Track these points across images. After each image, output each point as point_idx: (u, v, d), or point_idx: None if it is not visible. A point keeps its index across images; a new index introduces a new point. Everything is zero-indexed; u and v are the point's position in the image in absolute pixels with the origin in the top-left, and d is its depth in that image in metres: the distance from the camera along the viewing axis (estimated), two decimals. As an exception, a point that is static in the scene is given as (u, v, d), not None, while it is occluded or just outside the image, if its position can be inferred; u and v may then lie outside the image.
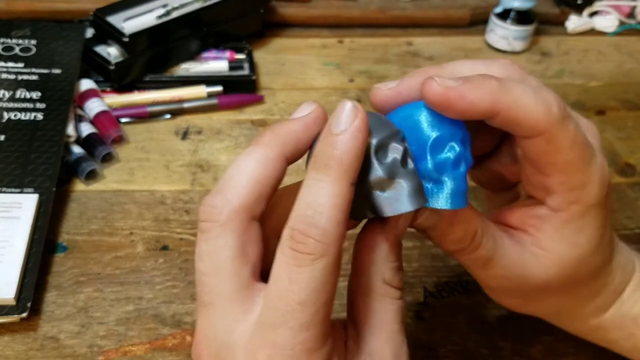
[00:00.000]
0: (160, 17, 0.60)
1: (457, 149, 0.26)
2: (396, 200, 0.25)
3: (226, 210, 0.25)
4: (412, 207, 0.25)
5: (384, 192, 0.25)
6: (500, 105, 0.25)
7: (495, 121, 0.26)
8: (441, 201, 0.26)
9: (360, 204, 0.25)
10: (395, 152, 0.25)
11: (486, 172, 0.33)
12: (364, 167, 0.25)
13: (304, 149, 0.27)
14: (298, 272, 0.23)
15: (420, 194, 0.25)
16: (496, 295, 0.33)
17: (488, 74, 0.26)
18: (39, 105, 0.52)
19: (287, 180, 0.28)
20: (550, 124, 0.26)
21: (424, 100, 0.26)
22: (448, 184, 0.26)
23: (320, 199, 0.23)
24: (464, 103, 0.25)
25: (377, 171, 0.25)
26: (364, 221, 0.28)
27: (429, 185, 0.26)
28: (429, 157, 0.25)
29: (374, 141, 0.25)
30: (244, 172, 0.26)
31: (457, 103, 0.25)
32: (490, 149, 0.33)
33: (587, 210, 0.28)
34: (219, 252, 0.25)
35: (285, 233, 0.24)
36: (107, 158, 0.53)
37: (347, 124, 0.24)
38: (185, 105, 0.58)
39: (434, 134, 0.26)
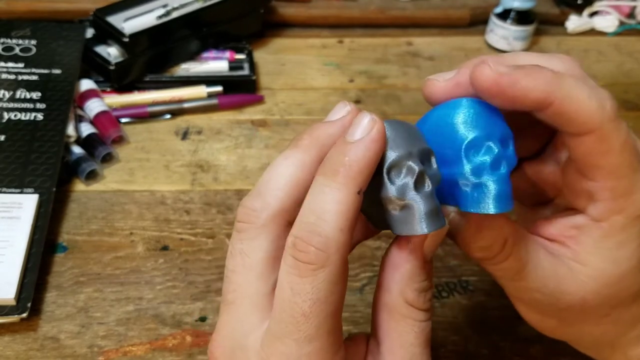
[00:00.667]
0: (160, 17, 0.60)
1: (495, 149, 0.24)
2: (407, 222, 0.24)
3: (265, 214, 0.25)
4: (423, 230, 0.24)
5: (397, 211, 0.24)
6: (554, 96, 0.24)
7: (545, 114, 0.25)
8: (483, 206, 0.24)
9: (380, 215, 0.25)
10: (409, 173, 0.24)
11: (525, 179, 0.31)
12: (378, 183, 0.24)
13: None
14: (300, 283, 0.23)
15: (434, 218, 0.24)
16: (529, 313, 0.30)
17: (542, 65, 0.25)
18: (39, 106, 0.52)
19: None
20: (603, 121, 0.24)
21: (474, 86, 0.25)
22: (490, 187, 0.24)
23: (325, 205, 0.23)
24: (517, 90, 0.24)
25: (388, 190, 0.24)
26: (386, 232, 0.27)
27: (468, 190, 0.24)
28: (464, 161, 0.24)
29: (389, 158, 0.24)
30: (282, 176, 0.25)
31: (509, 90, 0.24)
32: (531, 153, 0.31)
33: (631, 223, 0.26)
34: (252, 253, 0.25)
35: (289, 240, 0.24)
36: (107, 158, 0.53)
37: (362, 134, 0.24)
38: (185, 105, 0.58)
39: (469, 136, 0.24)
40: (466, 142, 0.24)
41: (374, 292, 0.27)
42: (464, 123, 0.25)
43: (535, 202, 0.32)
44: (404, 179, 0.24)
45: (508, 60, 0.27)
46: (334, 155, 0.24)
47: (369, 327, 0.28)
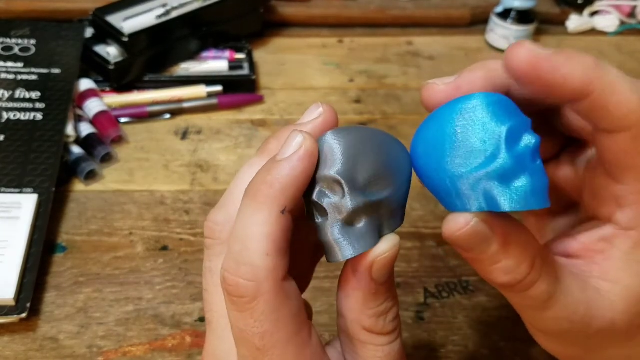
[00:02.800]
0: (159, 16, 0.60)
1: (533, 139, 0.22)
2: (330, 249, 0.23)
3: (228, 227, 0.24)
4: (342, 257, 0.23)
5: (343, 236, 0.23)
6: (594, 85, 0.22)
7: (581, 106, 0.22)
8: (531, 200, 0.21)
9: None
10: (338, 194, 0.23)
11: None
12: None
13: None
14: (242, 318, 0.22)
15: (355, 242, 0.22)
16: (551, 343, 0.27)
17: (582, 52, 0.23)
18: (39, 105, 0.52)
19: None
20: None
21: (508, 69, 0.22)
22: (533, 179, 0.21)
23: (248, 229, 0.22)
24: (557, 76, 0.21)
25: (318, 213, 0.23)
26: None
27: (517, 184, 0.21)
28: (504, 151, 0.21)
29: (321, 175, 0.23)
30: (247, 184, 0.24)
31: (549, 75, 0.21)
32: (546, 157, 0.29)
33: None
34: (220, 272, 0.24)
35: (221, 274, 0.22)
36: (107, 158, 0.53)
37: (291, 152, 0.22)
38: (185, 105, 0.58)
39: (507, 124, 0.22)
40: (507, 129, 0.22)
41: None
42: (492, 114, 0.22)
43: (553, 210, 0.30)
44: (333, 202, 0.23)
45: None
46: (258, 174, 0.23)
47: None
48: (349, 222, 0.23)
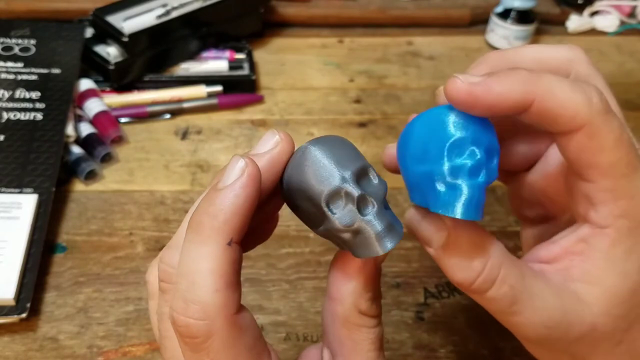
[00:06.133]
0: (159, 16, 0.60)
1: (478, 155, 0.23)
2: (365, 245, 0.23)
3: None
4: (384, 250, 0.23)
5: (351, 238, 0.23)
6: (533, 94, 0.22)
7: (529, 115, 0.23)
8: (451, 208, 0.23)
9: (346, 244, 0.24)
10: (349, 200, 0.23)
11: (526, 189, 0.30)
12: (323, 217, 0.23)
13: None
14: (197, 359, 0.21)
15: (390, 234, 0.23)
16: (539, 351, 0.27)
17: (516, 67, 0.24)
18: (39, 105, 0.52)
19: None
20: (591, 115, 0.22)
21: (450, 101, 0.24)
22: (463, 190, 0.23)
23: (193, 265, 0.21)
24: (492, 96, 0.23)
25: (333, 222, 0.23)
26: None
27: (442, 189, 0.23)
28: (445, 159, 0.23)
29: (324, 191, 0.23)
30: None
31: (485, 97, 0.23)
32: (528, 165, 0.30)
33: (638, 227, 0.24)
34: None
35: (170, 315, 0.22)
36: (107, 158, 0.53)
37: (233, 179, 0.22)
38: (185, 105, 0.58)
39: (456, 135, 0.23)
40: (451, 140, 0.24)
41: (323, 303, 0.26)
42: (454, 123, 0.24)
43: (540, 217, 0.31)
44: (346, 207, 0.23)
45: (510, 55, 0.26)
46: (200, 205, 0.22)
47: None
48: (379, 208, 0.23)
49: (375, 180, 0.24)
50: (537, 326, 0.24)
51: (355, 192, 0.23)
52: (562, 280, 0.24)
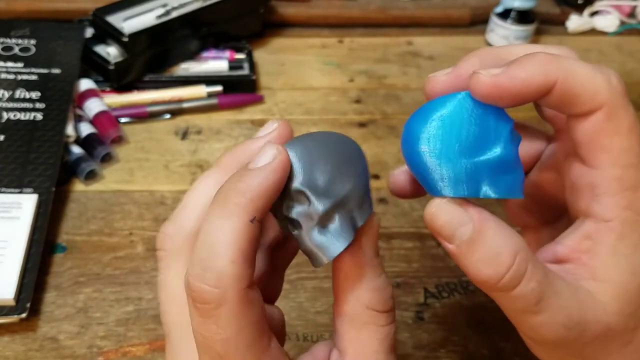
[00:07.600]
0: (159, 16, 0.60)
1: (519, 138, 0.24)
2: (329, 245, 0.23)
3: (178, 239, 0.25)
4: (338, 250, 0.23)
5: (320, 237, 0.23)
6: (554, 75, 0.22)
7: (552, 98, 0.23)
8: (516, 190, 0.23)
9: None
10: (300, 203, 0.24)
11: (525, 192, 0.29)
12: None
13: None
14: (204, 324, 0.22)
15: (345, 230, 0.23)
16: (547, 354, 0.25)
17: (530, 53, 0.24)
18: (39, 105, 0.52)
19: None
20: (611, 95, 0.23)
21: (478, 97, 0.24)
22: (520, 173, 0.24)
23: (215, 235, 0.22)
24: (517, 84, 0.23)
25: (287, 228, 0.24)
26: None
27: (506, 175, 0.23)
28: (506, 144, 0.23)
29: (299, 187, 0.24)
30: (199, 196, 0.25)
31: (510, 86, 0.23)
32: (526, 167, 0.29)
33: None
34: (171, 282, 0.25)
35: (185, 279, 0.22)
36: (107, 158, 0.53)
37: (264, 163, 0.23)
38: (185, 105, 0.58)
39: (510, 121, 0.24)
40: (512, 124, 0.24)
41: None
42: (493, 111, 0.24)
43: (541, 218, 0.30)
44: (299, 208, 0.24)
45: (503, 54, 0.26)
46: (229, 182, 0.23)
47: None
48: (323, 224, 0.23)
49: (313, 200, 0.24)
50: (557, 327, 0.23)
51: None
52: (574, 280, 0.23)
